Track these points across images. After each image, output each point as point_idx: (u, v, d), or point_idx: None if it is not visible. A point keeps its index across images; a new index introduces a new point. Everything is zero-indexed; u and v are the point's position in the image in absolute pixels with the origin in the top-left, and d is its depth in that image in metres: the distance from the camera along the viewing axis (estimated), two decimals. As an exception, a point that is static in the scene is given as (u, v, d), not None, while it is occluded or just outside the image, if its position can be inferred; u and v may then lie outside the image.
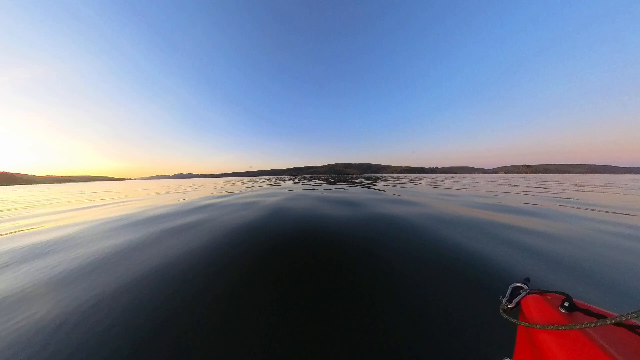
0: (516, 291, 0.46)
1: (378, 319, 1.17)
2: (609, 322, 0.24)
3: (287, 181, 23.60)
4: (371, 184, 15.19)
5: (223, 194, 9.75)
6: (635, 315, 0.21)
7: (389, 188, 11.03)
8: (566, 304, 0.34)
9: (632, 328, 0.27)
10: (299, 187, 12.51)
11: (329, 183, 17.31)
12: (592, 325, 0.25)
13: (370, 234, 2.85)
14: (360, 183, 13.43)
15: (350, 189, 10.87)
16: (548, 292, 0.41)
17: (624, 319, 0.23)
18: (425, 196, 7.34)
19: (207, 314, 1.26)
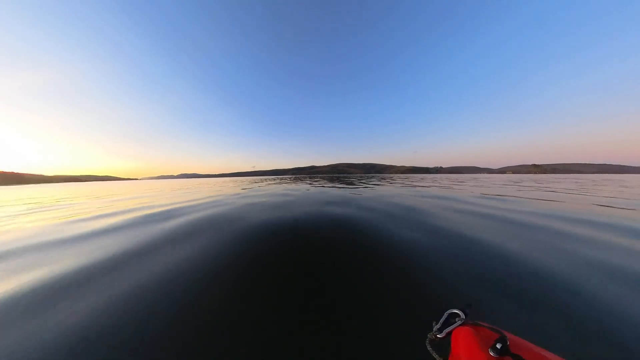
0: (451, 319, 0.40)
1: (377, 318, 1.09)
2: None
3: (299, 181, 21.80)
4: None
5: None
6: None
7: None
8: (498, 346, 0.29)
9: None
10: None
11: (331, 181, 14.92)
12: None
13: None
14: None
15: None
16: (483, 326, 0.35)
17: None
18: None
19: (210, 313, 1.19)
